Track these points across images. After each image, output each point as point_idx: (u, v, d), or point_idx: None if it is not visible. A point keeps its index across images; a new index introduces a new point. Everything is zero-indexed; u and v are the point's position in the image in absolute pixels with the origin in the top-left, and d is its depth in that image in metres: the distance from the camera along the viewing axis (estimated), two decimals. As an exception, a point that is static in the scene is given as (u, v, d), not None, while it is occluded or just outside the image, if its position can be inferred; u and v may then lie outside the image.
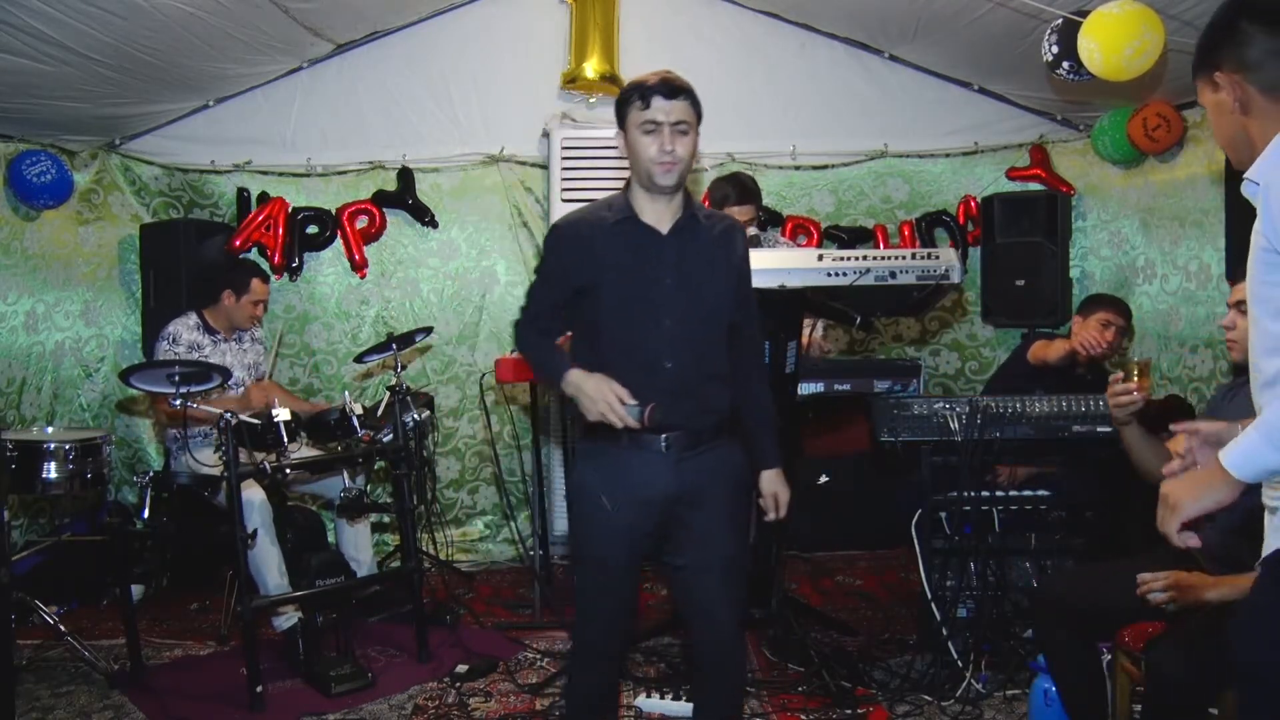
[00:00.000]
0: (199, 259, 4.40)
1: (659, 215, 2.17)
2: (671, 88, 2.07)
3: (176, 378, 3.07)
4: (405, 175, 4.75)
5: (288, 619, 3.49)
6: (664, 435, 2.14)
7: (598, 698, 2.32)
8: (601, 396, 1.98)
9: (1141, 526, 3.43)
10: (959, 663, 3.08)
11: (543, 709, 3.03)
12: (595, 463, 2.22)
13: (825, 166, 4.96)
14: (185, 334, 3.79)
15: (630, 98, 2.10)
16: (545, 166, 4.69)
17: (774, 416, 2.37)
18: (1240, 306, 2.10)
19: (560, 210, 4.49)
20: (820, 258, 3.15)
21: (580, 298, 2.17)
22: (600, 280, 2.14)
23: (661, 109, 2.06)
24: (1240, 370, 2.47)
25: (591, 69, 4.58)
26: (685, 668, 3.26)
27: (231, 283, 3.88)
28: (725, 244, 2.23)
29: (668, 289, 2.14)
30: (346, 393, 3.56)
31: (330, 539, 4.29)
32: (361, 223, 4.75)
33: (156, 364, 3.32)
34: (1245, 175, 1.61)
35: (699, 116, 2.13)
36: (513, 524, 4.77)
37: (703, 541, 2.20)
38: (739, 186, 3.76)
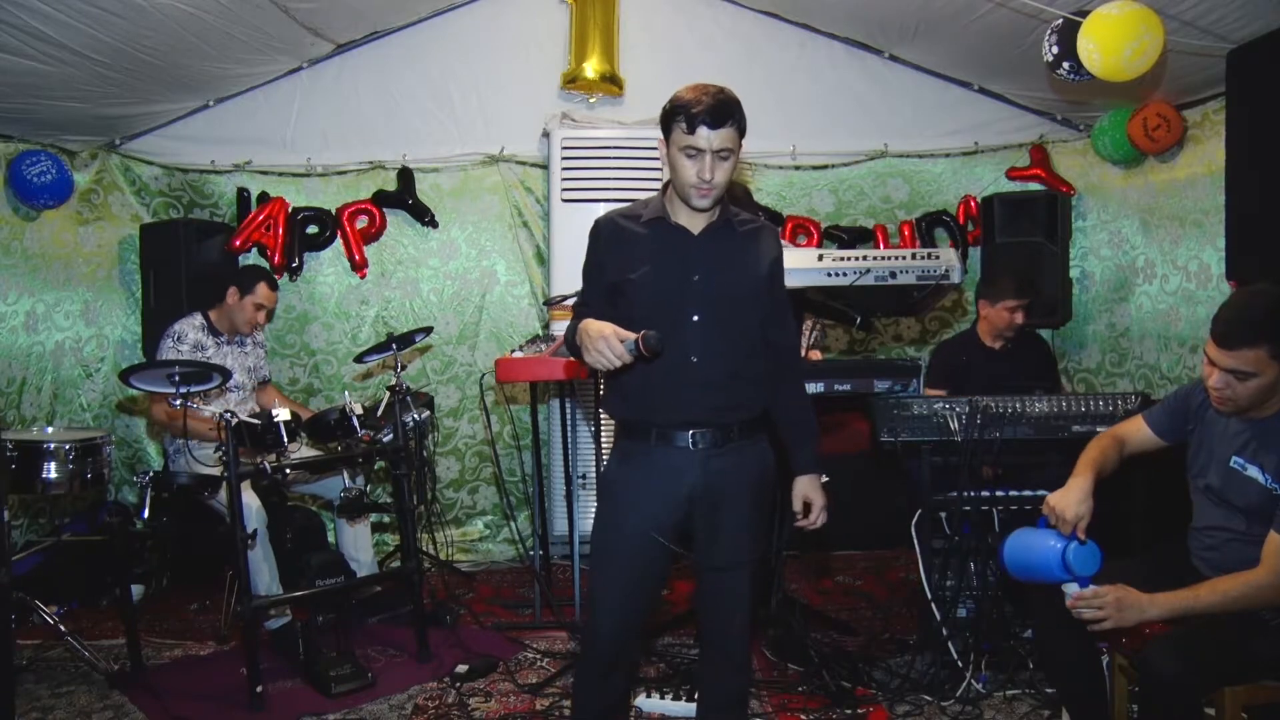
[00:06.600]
0: (202, 260, 4.40)
1: (692, 219, 2.20)
2: (719, 116, 2.02)
3: (177, 378, 3.07)
4: (405, 175, 4.75)
5: (277, 619, 3.50)
6: (691, 432, 2.17)
7: (604, 702, 2.31)
8: (599, 334, 1.98)
9: (1141, 526, 3.44)
10: (959, 663, 3.08)
11: (543, 709, 3.02)
12: (625, 460, 2.24)
13: (825, 166, 4.97)
14: (191, 334, 3.79)
15: (676, 116, 2.07)
16: (545, 166, 4.69)
17: (812, 423, 2.37)
18: (1237, 374, 2.17)
19: (560, 210, 4.49)
20: (820, 258, 3.16)
21: (615, 293, 2.20)
22: (632, 276, 2.17)
23: (705, 138, 2.04)
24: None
25: (591, 69, 4.59)
26: (687, 667, 3.26)
27: (238, 280, 3.88)
28: (756, 247, 2.25)
29: (695, 286, 2.16)
30: (347, 393, 3.56)
31: (330, 539, 4.29)
32: (361, 223, 4.75)
33: (156, 364, 3.31)
34: None
35: (744, 134, 2.11)
36: (513, 524, 4.77)
37: (725, 540, 2.22)
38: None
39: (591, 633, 2.28)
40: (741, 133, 2.10)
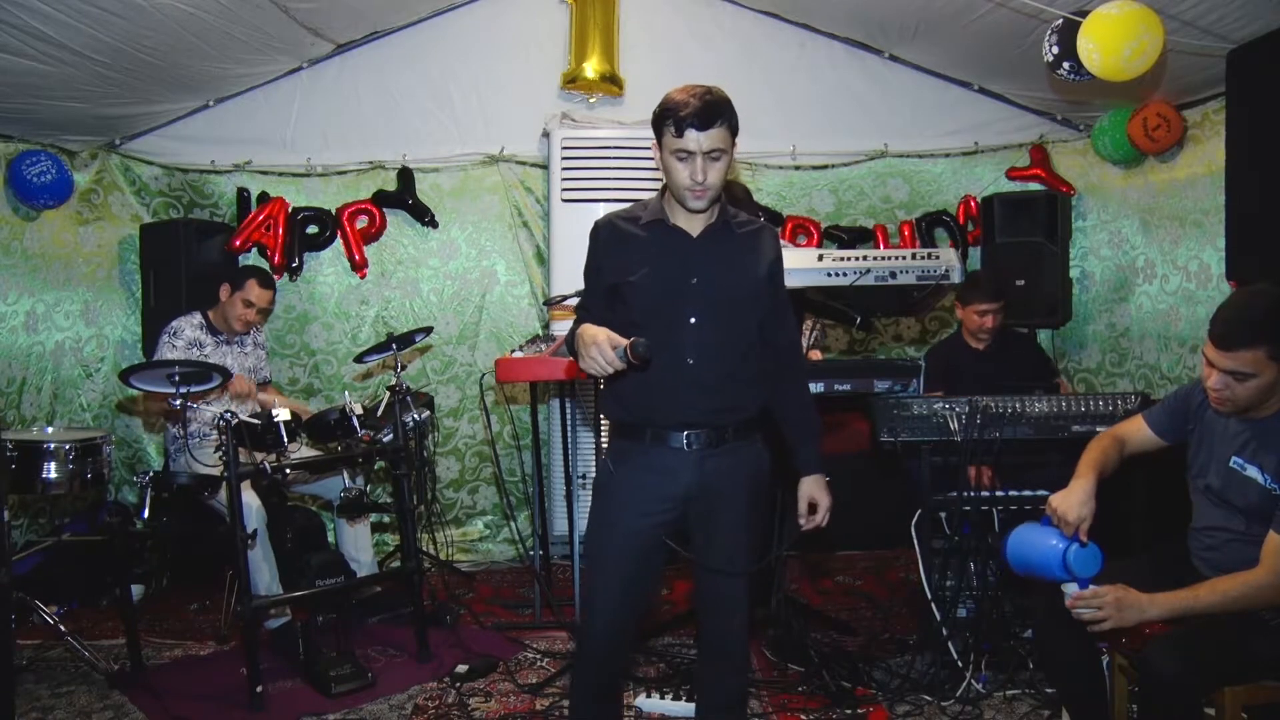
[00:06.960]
0: (202, 260, 4.40)
1: (690, 220, 2.19)
2: (707, 118, 2.01)
3: (177, 378, 3.07)
4: (405, 175, 4.75)
5: (277, 619, 3.50)
6: (686, 433, 2.16)
7: (599, 699, 2.32)
8: (592, 340, 1.97)
9: (1141, 526, 3.43)
10: (959, 663, 3.08)
11: (543, 709, 3.02)
12: (620, 459, 2.24)
13: (825, 166, 4.97)
14: (188, 331, 3.81)
15: (665, 120, 2.06)
16: (545, 166, 4.69)
17: (815, 422, 2.36)
18: (1236, 375, 2.16)
19: (560, 210, 4.49)
20: (820, 258, 3.16)
21: (614, 295, 2.20)
22: (631, 279, 2.16)
23: (694, 140, 2.03)
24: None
25: (591, 69, 4.59)
26: (687, 667, 3.26)
27: (230, 277, 3.91)
28: (755, 248, 2.24)
29: (694, 288, 2.16)
30: (347, 393, 3.56)
31: (330, 539, 4.29)
32: (361, 223, 4.75)
33: (156, 364, 3.32)
34: None
35: (736, 133, 2.10)
36: (513, 524, 4.77)
37: (723, 541, 2.22)
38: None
39: (586, 630, 2.28)
40: (733, 132, 2.09)
